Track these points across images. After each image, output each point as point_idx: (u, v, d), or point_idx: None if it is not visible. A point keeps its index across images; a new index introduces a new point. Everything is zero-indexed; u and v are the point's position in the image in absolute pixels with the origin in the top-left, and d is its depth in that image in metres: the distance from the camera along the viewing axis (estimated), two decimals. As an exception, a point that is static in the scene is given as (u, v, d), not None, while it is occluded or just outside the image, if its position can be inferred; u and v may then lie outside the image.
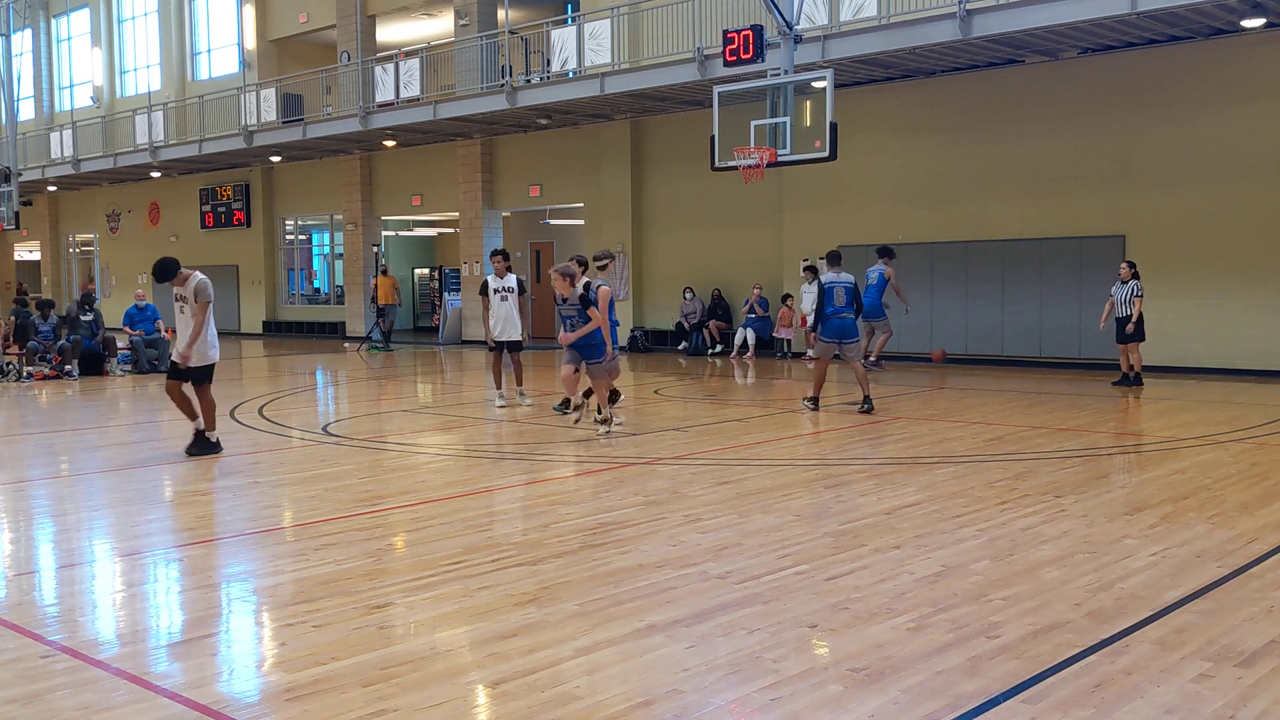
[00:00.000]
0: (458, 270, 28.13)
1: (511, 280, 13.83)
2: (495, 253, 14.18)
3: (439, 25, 28.11)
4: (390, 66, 24.13)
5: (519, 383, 14.16)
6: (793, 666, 4.60)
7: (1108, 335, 17.41)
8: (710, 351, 22.01)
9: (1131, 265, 15.34)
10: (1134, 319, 15.08)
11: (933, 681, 4.40)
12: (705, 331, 22.23)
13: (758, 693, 4.33)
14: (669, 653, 4.78)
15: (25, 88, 37.48)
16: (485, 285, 13.85)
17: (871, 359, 16.55)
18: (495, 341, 13.83)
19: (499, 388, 14.08)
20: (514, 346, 13.86)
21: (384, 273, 27.12)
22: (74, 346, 19.07)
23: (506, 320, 13.71)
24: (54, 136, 34.11)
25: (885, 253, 16.95)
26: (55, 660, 4.79)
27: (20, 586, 6.25)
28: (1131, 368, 15.30)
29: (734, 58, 15.30)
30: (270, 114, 26.96)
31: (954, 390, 15.25)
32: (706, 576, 5.96)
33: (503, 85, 21.73)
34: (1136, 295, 15.09)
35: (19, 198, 27.57)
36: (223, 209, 33.26)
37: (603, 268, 12.41)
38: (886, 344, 17.36)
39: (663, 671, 4.56)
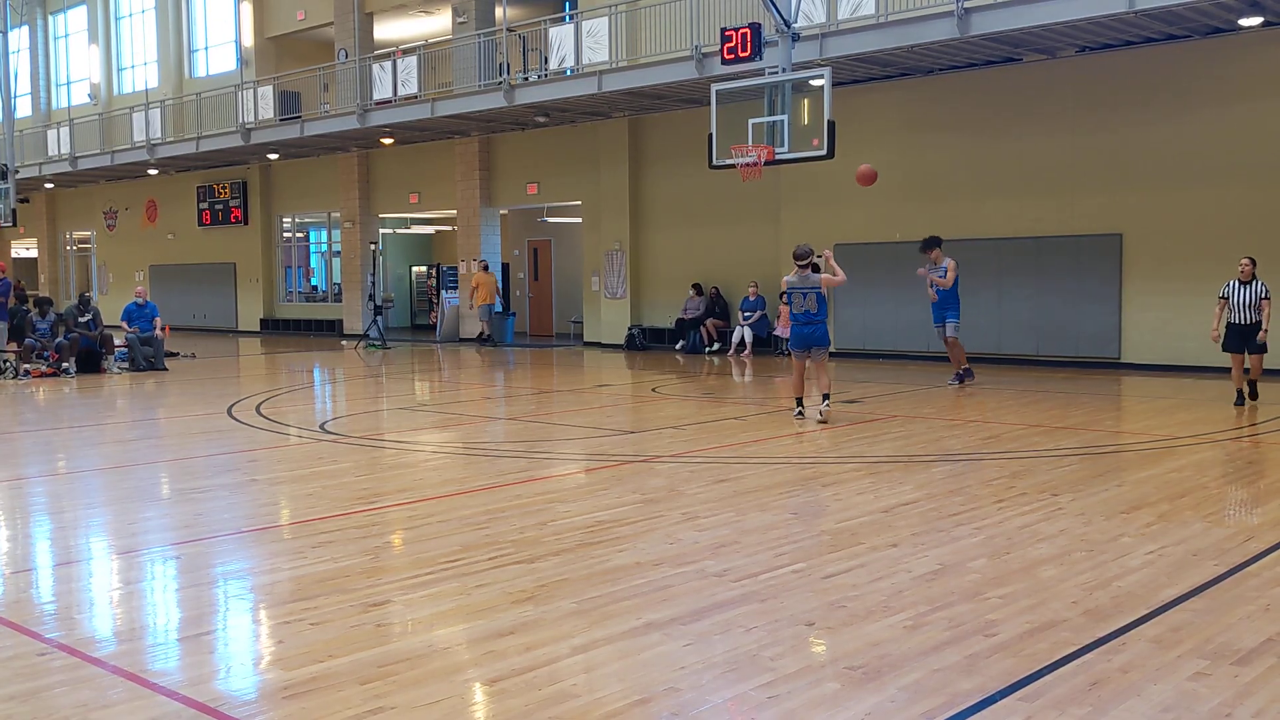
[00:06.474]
0: (455, 268, 28.11)
1: None
2: None
3: (437, 23, 28.09)
4: (388, 64, 24.10)
5: None
6: (790, 664, 4.61)
7: (1105, 334, 17.44)
8: (707, 350, 22.01)
9: (1255, 261, 12.81)
10: (1265, 326, 12.55)
11: (930, 680, 4.41)
12: (702, 329, 22.22)
13: (755, 690, 4.33)
14: (666, 650, 4.78)
15: (22, 85, 37.44)
16: None
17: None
18: None
19: None
20: None
21: (485, 269, 25.78)
22: (71, 344, 19.05)
23: None
24: (51, 134, 34.05)
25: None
26: (53, 658, 4.79)
27: (17, 584, 6.25)
28: (1249, 380, 12.89)
29: (732, 56, 15.29)
30: (268, 111, 26.93)
31: (951, 388, 15.24)
32: (704, 574, 5.97)
33: (500, 83, 21.72)
34: (1265, 297, 12.55)
35: (16, 195, 27.52)
36: (220, 206, 33.24)
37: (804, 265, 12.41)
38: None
39: (660, 669, 4.56)
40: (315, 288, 33.29)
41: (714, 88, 15.51)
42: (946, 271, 15.33)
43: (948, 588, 5.67)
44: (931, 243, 15.66)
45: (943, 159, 19.07)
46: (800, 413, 12.19)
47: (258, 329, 32.66)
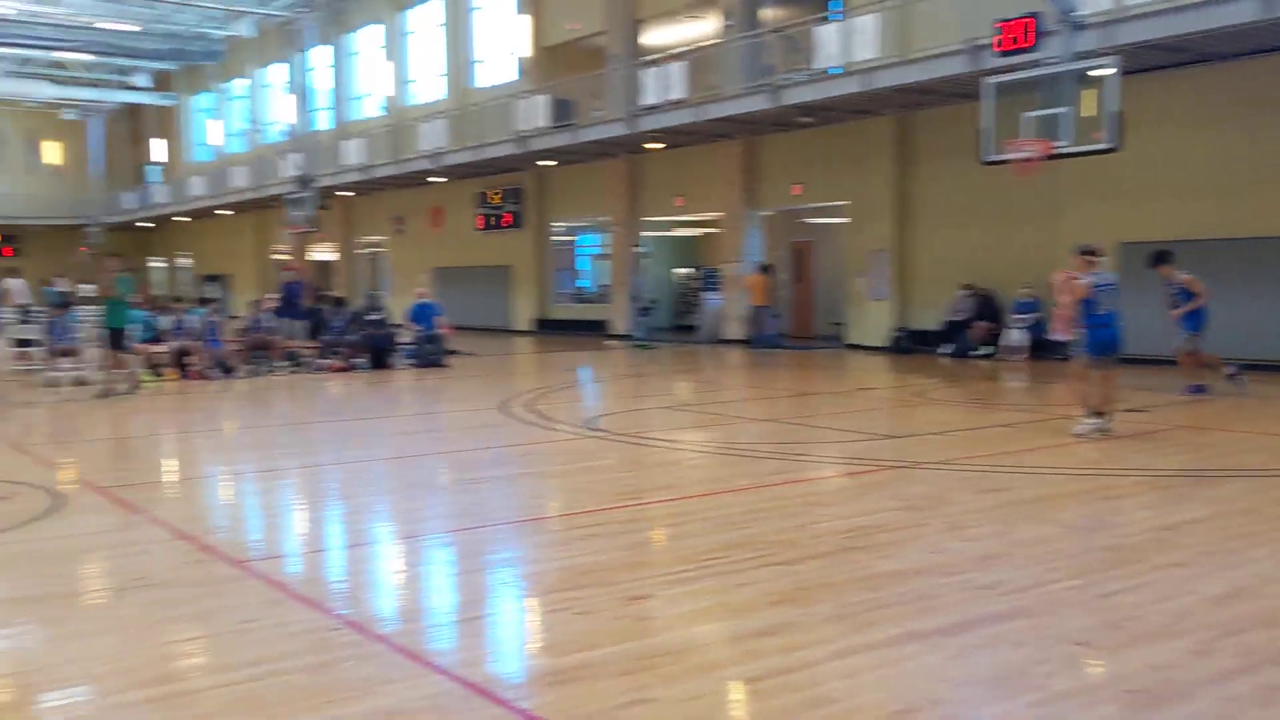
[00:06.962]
0: (716, 270, 28.33)
1: None
2: None
3: (702, 27, 28.37)
4: (656, 70, 24.54)
5: None
6: (1062, 683, 4.39)
7: None
8: (977, 353, 21.25)
9: None
10: None
11: (1219, 709, 4.10)
12: (971, 332, 21.47)
13: (1024, 708, 4.15)
14: (929, 662, 4.65)
15: (322, 99, 40.35)
16: None
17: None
18: None
19: None
20: None
21: (761, 270, 25.60)
22: (362, 341, 20.39)
23: None
24: (346, 145, 36.54)
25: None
26: (341, 634, 5.14)
27: (313, 563, 6.74)
28: None
29: (1012, 46, 14.77)
30: (542, 119, 27.96)
31: (1247, 398, 14.11)
32: (970, 586, 5.77)
33: (766, 85, 21.71)
34: None
35: (317, 203, 29.68)
36: (494, 212, 34.76)
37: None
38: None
39: (922, 681, 4.44)
40: (583, 289, 34.31)
41: (988, 81, 14.99)
42: (1187, 291, 14.08)
43: (1240, 612, 5.26)
44: (1160, 258, 14.32)
45: (1240, 151, 17.68)
46: (1099, 425, 10.79)
47: (531, 329, 33.96)
